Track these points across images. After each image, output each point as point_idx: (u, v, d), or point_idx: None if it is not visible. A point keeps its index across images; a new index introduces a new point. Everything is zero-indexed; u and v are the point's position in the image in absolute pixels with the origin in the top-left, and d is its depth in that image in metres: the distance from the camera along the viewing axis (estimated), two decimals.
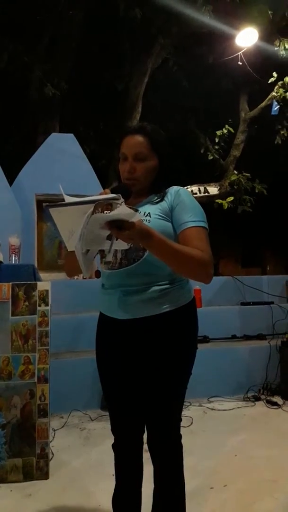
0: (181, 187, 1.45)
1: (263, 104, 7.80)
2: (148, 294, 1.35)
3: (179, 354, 1.40)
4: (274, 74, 7.21)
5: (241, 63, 6.96)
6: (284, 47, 6.49)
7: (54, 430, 2.83)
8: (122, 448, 1.50)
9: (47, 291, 2.34)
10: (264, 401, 3.40)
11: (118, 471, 1.52)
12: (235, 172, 8.07)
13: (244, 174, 7.98)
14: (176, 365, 1.39)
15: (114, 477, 1.53)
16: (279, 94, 7.35)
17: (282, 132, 7.71)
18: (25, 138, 7.25)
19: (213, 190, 8.08)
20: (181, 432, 1.45)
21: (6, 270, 2.83)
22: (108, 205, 1.08)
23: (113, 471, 1.54)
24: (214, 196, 7.89)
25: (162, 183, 1.44)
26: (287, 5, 6.17)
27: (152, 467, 1.45)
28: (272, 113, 7.52)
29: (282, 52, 6.52)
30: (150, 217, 1.35)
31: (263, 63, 7.18)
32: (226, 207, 7.69)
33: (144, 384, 1.40)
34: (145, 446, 1.48)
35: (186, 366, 1.42)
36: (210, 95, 7.87)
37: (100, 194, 1.19)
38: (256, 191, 8.03)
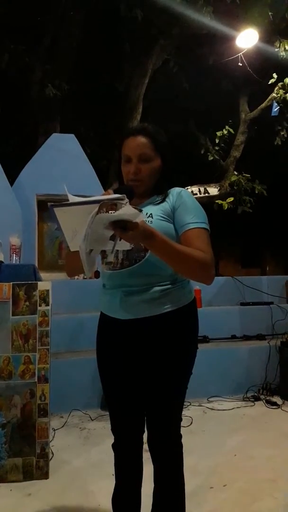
0: (182, 189, 1.45)
1: (263, 105, 7.81)
2: (150, 294, 1.36)
3: (180, 354, 1.40)
4: (274, 75, 7.21)
5: (241, 64, 6.96)
6: (284, 48, 6.48)
7: (54, 430, 2.84)
8: (122, 448, 1.51)
9: (47, 291, 2.34)
10: (264, 401, 3.41)
11: (118, 470, 1.53)
12: (235, 172, 8.08)
13: (244, 175, 7.99)
14: (177, 365, 1.40)
15: (114, 476, 1.54)
16: (279, 95, 7.35)
17: (282, 133, 7.72)
18: (26, 138, 7.25)
19: (213, 190, 8.09)
20: (181, 432, 1.46)
21: (7, 270, 2.83)
22: (112, 205, 1.09)
23: (113, 471, 1.54)
24: (214, 197, 7.89)
25: (164, 184, 1.45)
26: (287, 7, 6.17)
27: (152, 466, 1.45)
28: (272, 114, 7.53)
29: (282, 53, 6.52)
30: (152, 218, 1.35)
31: (263, 64, 7.18)
32: (226, 208, 7.70)
33: (145, 384, 1.40)
34: (145, 446, 1.48)
35: (187, 366, 1.43)
36: (210, 96, 7.87)
37: (103, 195, 1.20)
38: (256, 191, 8.04)
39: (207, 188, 8.06)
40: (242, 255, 14.82)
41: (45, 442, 2.24)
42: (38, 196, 4.65)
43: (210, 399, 3.47)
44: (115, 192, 1.19)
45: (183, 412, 1.49)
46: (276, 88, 7.41)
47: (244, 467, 2.33)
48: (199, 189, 7.98)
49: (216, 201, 7.69)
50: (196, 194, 7.78)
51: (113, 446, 1.52)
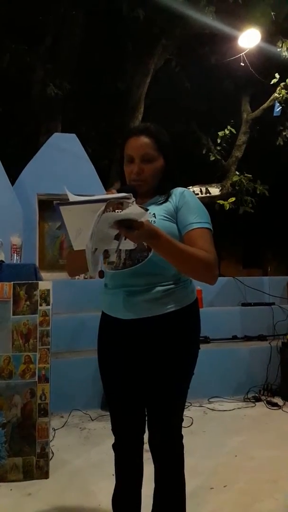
0: (185, 189, 1.45)
1: (265, 105, 7.79)
2: (152, 294, 1.36)
3: (182, 354, 1.40)
4: (277, 75, 7.20)
5: (243, 64, 6.95)
6: (287, 48, 6.48)
7: (54, 430, 2.83)
8: (123, 448, 1.51)
9: (48, 290, 2.34)
10: (265, 402, 3.40)
11: (118, 471, 1.52)
12: (237, 173, 8.07)
13: (245, 175, 7.98)
14: (179, 365, 1.39)
15: (114, 477, 1.54)
16: (281, 95, 7.34)
17: (284, 133, 7.70)
18: (27, 137, 7.25)
19: (214, 190, 8.07)
20: (182, 433, 1.46)
21: (8, 270, 2.83)
22: (119, 204, 1.08)
23: (113, 471, 1.54)
24: (216, 197, 7.88)
25: (167, 184, 1.44)
26: None
27: (152, 467, 1.45)
28: (274, 114, 7.52)
29: (285, 53, 6.51)
30: (155, 218, 1.35)
31: (265, 64, 7.17)
32: (227, 208, 7.69)
33: (146, 384, 1.40)
34: (146, 446, 1.48)
35: (189, 366, 1.43)
36: (212, 96, 7.87)
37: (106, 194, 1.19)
38: (258, 192, 8.03)
39: (209, 188, 8.05)
40: (244, 256, 14.80)
41: (45, 441, 2.24)
42: (39, 195, 4.64)
43: (211, 400, 3.47)
44: (117, 192, 1.18)
45: (183, 413, 1.49)
46: (278, 88, 7.40)
47: (245, 468, 2.32)
48: (200, 189, 7.97)
49: (218, 201, 7.69)
50: (198, 194, 7.76)
51: (114, 446, 1.52)
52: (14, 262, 3.45)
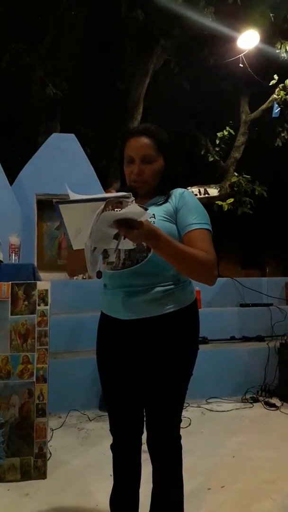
0: (185, 189, 1.45)
1: (264, 106, 7.81)
2: (152, 294, 1.36)
3: (181, 355, 1.40)
4: (275, 76, 7.22)
5: (242, 65, 6.97)
6: (286, 49, 6.49)
7: (52, 430, 2.83)
8: (121, 448, 1.50)
9: (46, 290, 2.34)
10: (262, 402, 3.40)
11: (116, 471, 1.52)
12: (235, 174, 8.08)
13: (244, 176, 7.99)
14: (178, 365, 1.39)
15: (112, 477, 1.53)
16: (280, 96, 7.36)
17: (282, 134, 7.72)
18: (26, 138, 7.25)
19: (213, 191, 8.08)
20: (180, 433, 1.46)
21: (6, 270, 2.83)
22: (118, 203, 1.08)
23: (111, 471, 1.54)
24: (214, 198, 7.89)
25: (167, 185, 1.45)
26: None
27: (150, 467, 1.45)
28: (273, 115, 7.53)
29: (283, 55, 6.53)
30: (155, 218, 1.35)
31: (264, 65, 7.19)
32: (226, 209, 7.70)
33: (145, 384, 1.40)
34: (144, 447, 1.48)
35: (188, 366, 1.43)
36: (211, 97, 7.87)
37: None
38: (256, 193, 8.04)
39: (207, 189, 8.06)
40: (242, 257, 14.80)
41: (43, 442, 2.24)
42: (37, 195, 4.64)
43: (208, 400, 3.47)
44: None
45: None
46: (277, 89, 7.42)
47: (243, 469, 2.32)
48: (199, 190, 7.98)
49: (216, 202, 7.70)
50: (196, 195, 7.76)
51: (112, 446, 1.52)
52: (13, 262, 3.46)
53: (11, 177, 4.58)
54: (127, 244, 1.14)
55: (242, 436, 2.77)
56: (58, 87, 6.05)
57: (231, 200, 7.80)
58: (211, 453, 2.51)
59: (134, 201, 1.09)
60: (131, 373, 1.42)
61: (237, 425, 2.99)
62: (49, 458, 2.33)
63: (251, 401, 3.45)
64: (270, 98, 7.61)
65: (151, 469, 1.45)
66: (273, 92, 7.52)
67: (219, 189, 8.11)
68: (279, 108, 7.42)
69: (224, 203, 7.68)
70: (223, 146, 8.19)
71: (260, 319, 4.15)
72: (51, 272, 4.46)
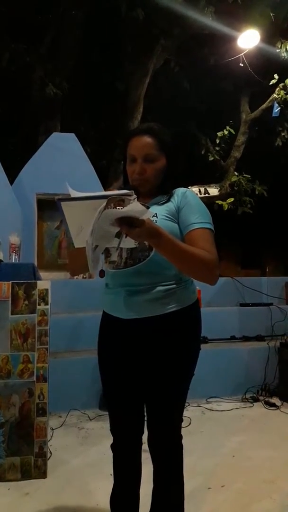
0: (187, 189, 1.45)
1: (264, 105, 7.81)
2: (154, 294, 1.35)
3: (183, 354, 1.40)
4: (276, 76, 7.23)
5: (242, 65, 6.97)
6: (286, 49, 6.50)
7: (53, 429, 2.83)
8: (121, 448, 1.50)
9: (46, 290, 2.34)
10: (263, 402, 3.41)
11: (117, 471, 1.52)
12: (236, 173, 8.08)
13: (244, 175, 8.00)
14: (180, 365, 1.39)
15: (112, 476, 1.53)
16: (280, 96, 7.37)
17: (282, 134, 7.73)
18: (26, 137, 7.25)
19: (213, 191, 8.09)
20: (181, 433, 1.46)
21: (6, 269, 2.83)
22: (120, 201, 1.07)
23: (111, 471, 1.54)
24: (214, 197, 7.90)
25: (169, 184, 1.44)
26: None
27: (151, 466, 1.45)
28: (273, 115, 7.53)
29: (284, 54, 6.53)
30: (157, 217, 1.34)
31: (264, 64, 7.19)
32: (226, 208, 7.70)
33: (146, 384, 1.40)
34: (144, 446, 1.48)
35: (190, 366, 1.43)
36: (211, 96, 7.87)
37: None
38: (256, 192, 8.05)
39: (208, 189, 8.07)
40: (242, 256, 14.79)
41: (43, 441, 2.24)
42: (38, 195, 4.64)
43: (209, 400, 3.47)
44: None
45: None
46: (277, 89, 7.43)
47: (243, 468, 2.32)
48: (199, 189, 7.99)
49: (216, 202, 7.70)
50: (197, 194, 7.75)
51: (112, 446, 1.51)
52: (13, 261, 3.46)
53: (11, 177, 4.58)
54: (128, 243, 1.14)
55: (242, 436, 2.77)
56: (58, 86, 6.05)
57: (231, 199, 7.81)
58: (211, 452, 2.51)
59: (136, 199, 1.09)
60: (132, 373, 1.42)
61: (237, 425, 2.99)
62: (49, 458, 2.33)
63: (251, 401, 3.45)
64: (270, 98, 7.62)
65: (152, 469, 1.45)
66: (273, 92, 7.52)
67: (219, 188, 8.11)
68: (279, 108, 7.42)
69: (224, 203, 7.68)
70: (223, 145, 8.20)
71: (260, 318, 4.15)
72: (51, 271, 4.47)
